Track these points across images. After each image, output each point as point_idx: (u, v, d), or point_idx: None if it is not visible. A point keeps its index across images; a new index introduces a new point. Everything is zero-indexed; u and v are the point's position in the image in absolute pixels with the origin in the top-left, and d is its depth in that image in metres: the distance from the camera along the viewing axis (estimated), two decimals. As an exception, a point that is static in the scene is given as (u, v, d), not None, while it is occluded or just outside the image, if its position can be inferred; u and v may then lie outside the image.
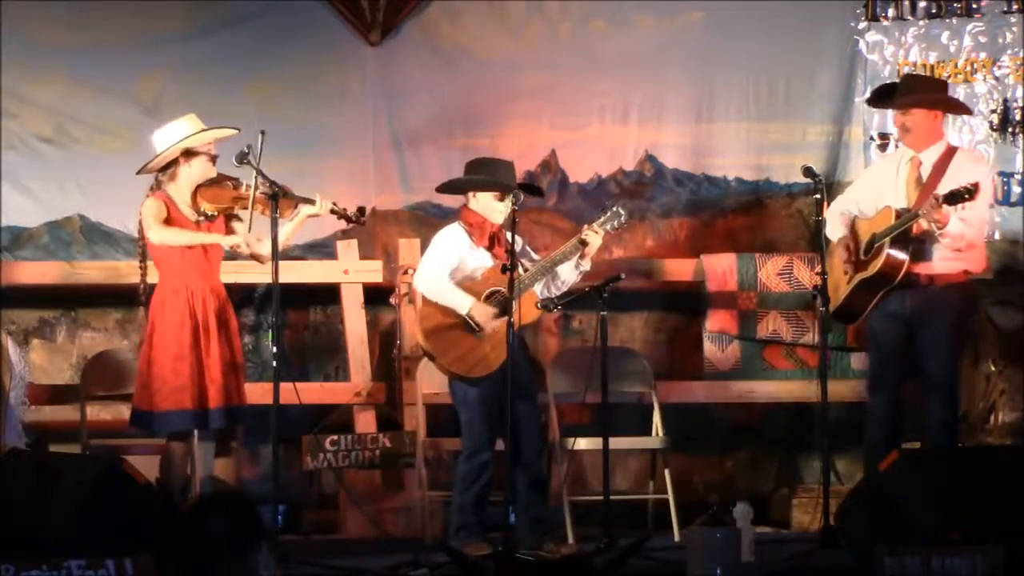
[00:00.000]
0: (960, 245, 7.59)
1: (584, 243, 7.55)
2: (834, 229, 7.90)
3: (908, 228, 7.57)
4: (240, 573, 6.24)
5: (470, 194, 7.66)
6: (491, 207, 7.62)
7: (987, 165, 8.15)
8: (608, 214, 7.61)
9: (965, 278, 7.73)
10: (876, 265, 7.62)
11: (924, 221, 7.49)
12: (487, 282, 7.56)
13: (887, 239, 7.59)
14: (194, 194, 7.45)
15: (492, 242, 7.64)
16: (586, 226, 7.62)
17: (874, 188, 7.86)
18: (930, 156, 7.77)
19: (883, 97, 8.08)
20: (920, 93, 7.90)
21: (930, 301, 7.64)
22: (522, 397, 7.52)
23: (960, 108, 8.43)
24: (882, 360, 7.78)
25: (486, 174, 7.64)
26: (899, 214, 7.63)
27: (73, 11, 9.15)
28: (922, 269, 7.64)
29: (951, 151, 7.81)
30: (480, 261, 7.61)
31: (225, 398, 7.39)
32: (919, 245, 7.61)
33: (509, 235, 7.44)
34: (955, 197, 7.37)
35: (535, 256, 7.74)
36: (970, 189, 7.34)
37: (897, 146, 8.01)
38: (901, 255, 7.59)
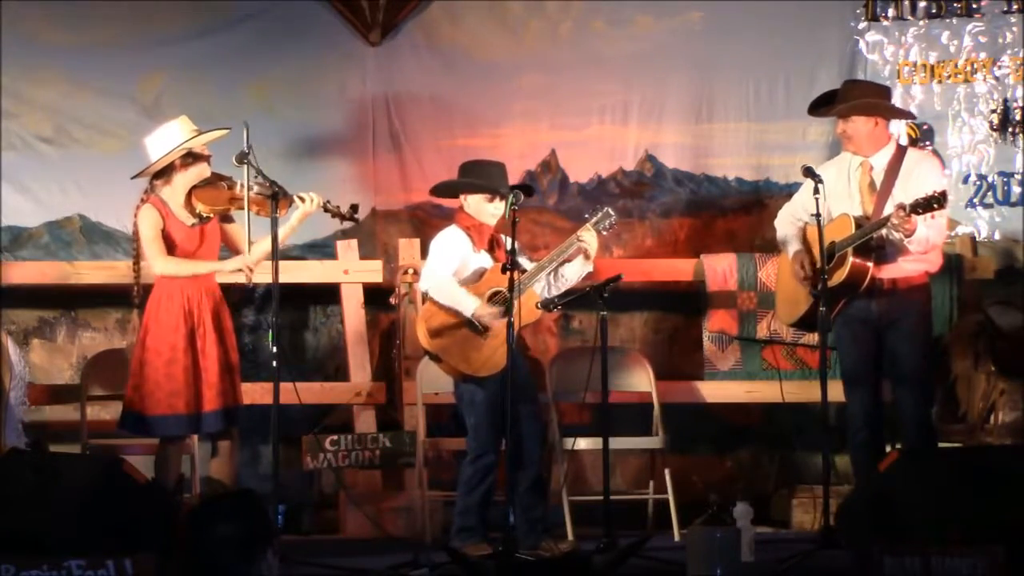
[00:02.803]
0: (926, 248, 7.59)
1: (582, 243, 7.56)
2: (787, 240, 7.88)
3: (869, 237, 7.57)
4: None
5: (463, 197, 7.67)
6: (482, 209, 7.63)
7: (938, 163, 8.11)
8: (600, 215, 7.62)
9: (926, 279, 7.73)
10: (842, 275, 7.59)
11: (893, 231, 7.46)
12: (488, 283, 7.56)
13: (850, 248, 7.57)
14: (188, 195, 7.44)
15: (492, 245, 7.65)
16: (581, 228, 7.62)
17: (827, 192, 7.78)
18: (880, 160, 7.73)
19: (823, 105, 8.04)
20: (858, 100, 7.80)
21: (895, 304, 7.63)
22: (523, 398, 7.52)
23: (900, 113, 8.30)
24: (856, 363, 7.75)
25: (477, 176, 7.64)
26: (858, 222, 7.60)
27: (73, 11, 9.15)
28: (885, 274, 7.62)
29: (901, 152, 7.77)
30: (481, 263, 7.62)
31: (221, 400, 7.38)
32: (881, 251, 7.59)
33: (507, 236, 7.45)
34: (925, 206, 7.33)
35: (523, 261, 7.72)
36: (938, 198, 7.31)
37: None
38: (866, 263, 7.57)
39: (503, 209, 7.43)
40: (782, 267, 8.10)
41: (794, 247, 7.84)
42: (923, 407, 7.70)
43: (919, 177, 7.60)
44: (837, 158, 8.05)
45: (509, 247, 7.32)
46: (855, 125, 7.72)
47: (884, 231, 7.50)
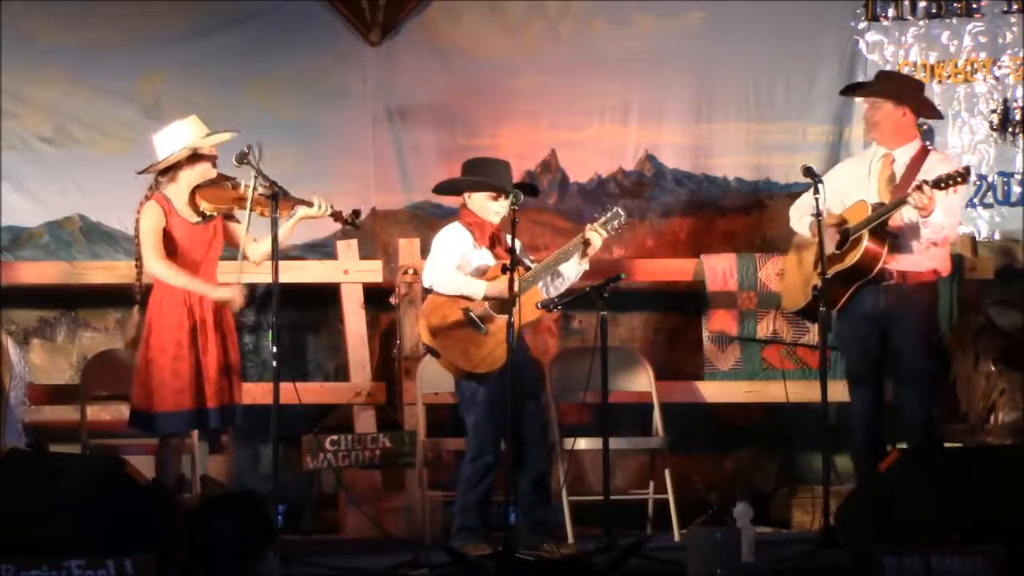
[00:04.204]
0: (938, 237, 7.57)
1: (587, 242, 7.56)
2: (801, 222, 7.88)
3: (885, 220, 7.55)
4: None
5: (466, 195, 7.67)
6: (485, 207, 7.62)
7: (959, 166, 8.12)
8: (609, 214, 7.62)
9: (935, 277, 7.73)
10: (854, 257, 7.58)
11: (909, 208, 7.45)
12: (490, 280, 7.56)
13: (866, 230, 7.56)
14: (192, 193, 7.44)
15: (493, 242, 7.65)
16: (588, 225, 7.63)
17: (842, 185, 7.78)
18: (904, 155, 7.74)
19: (855, 90, 8.08)
20: (889, 87, 7.84)
21: (902, 299, 7.63)
22: (529, 397, 7.52)
23: (928, 111, 8.30)
24: (859, 361, 7.75)
25: (481, 174, 7.64)
26: (874, 208, 7.60)
27: (73, 11, 9.15)
28: (895, 265, 7.62)
29: (924, 152, 7.78)
30: (482, 261, 7.61)
31: (222, 398, 7.39)
32: (894, 239, 7.59)
33: (501, 233, 7.46)
34: (947, 181, 7.32)
35: (529, 260, 7.73)
36: (962, 173, 7.32)
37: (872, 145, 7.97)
38: (879, 247, 7.57)
39: (506, 207, 7.44)
40: (790, 256, 8.07)
41: (809, 220, 7.78)
42: (926, 408, 7.68)
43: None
44: (861, 152, 8.06)
45: (510, 247, 7.32)
46: (882, 112, 7.73)
47: (905, 214, 7.47)
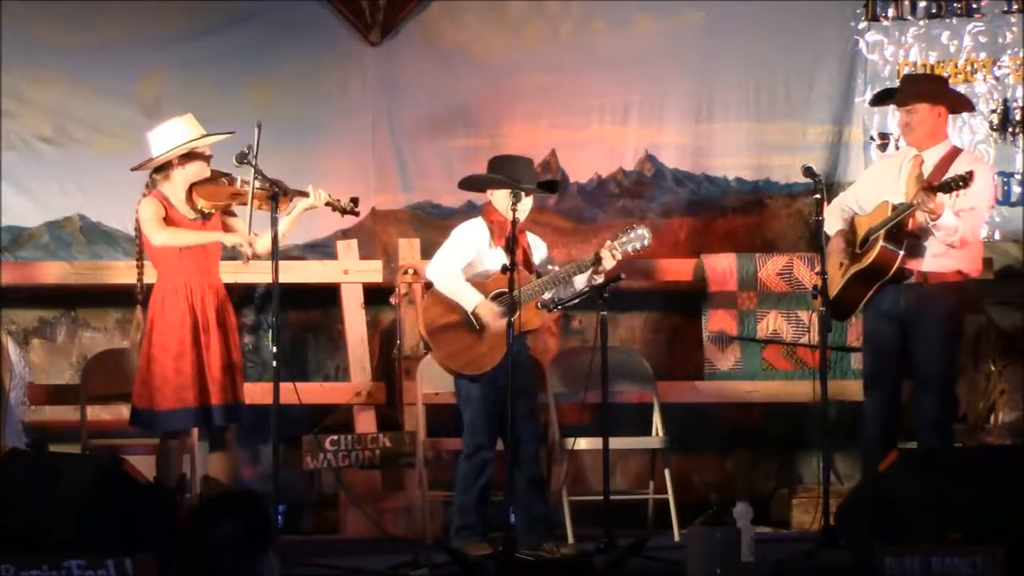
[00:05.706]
0: (954, 240, 7.55)
1: (599, 260, 7.52)
2: (832, 225, 7.89)
3: (903, 222, 7.54)
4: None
5: (490, 192, 7.66)
6: (506, 206, 7.59)
7: (988, 168, 8.10)
8: (632, 235, 7.55)
9: (959, 278, 7.68)
10: (869, 258, 7.59)
11: (918, 212, 7.46)
12: (497, 282, 7.54)
13: (881, 232, 7.56)
14: (189, 191, 7.45)
15: (512, 243, 7.61)
16: (608, 242, 7.58)
17: (876, 186, 7.82)
18: (933, 155, 7.73)
19: (886, 98, 8.07)
20: (923, 89, 7.86)
21: (923, 300, 7.61)
22: (521, 395, 7.51)
23: (963, 104, 8.32)
24: (877, 360, 7.75)
25: (503, 171, 7.62)
26: (895, 208, 7.61)
27: (73, 11, 9.15)
28: (915, 265, 7.60)
29: (954, 152, 7.77)
30: (495, 260, 7.57)
31: (223, 396, 7.40)
32: (913, 240, 7.57)
33: (524, 235, 7.46)
34: (948, 185, 7.33)
35: (551, 266, 7.71)
36: (964, 177, 7.30)
37: (898, 147, 8.00)
38: (895, 249, 7.55)
39: (529, 205, 7.45)
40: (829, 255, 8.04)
41: (837, 227, 7.78)
42: (941, 410, 7.65)
43: None
44: (893, 151, 8.04)
45: (510, 247, 7.30)
46: (919, 115, 7.71)
47: (918, 215, 7.47)
